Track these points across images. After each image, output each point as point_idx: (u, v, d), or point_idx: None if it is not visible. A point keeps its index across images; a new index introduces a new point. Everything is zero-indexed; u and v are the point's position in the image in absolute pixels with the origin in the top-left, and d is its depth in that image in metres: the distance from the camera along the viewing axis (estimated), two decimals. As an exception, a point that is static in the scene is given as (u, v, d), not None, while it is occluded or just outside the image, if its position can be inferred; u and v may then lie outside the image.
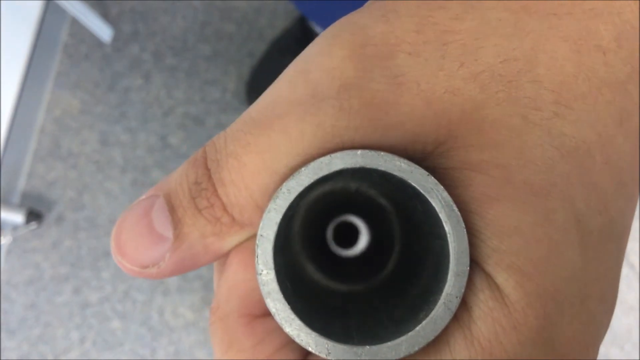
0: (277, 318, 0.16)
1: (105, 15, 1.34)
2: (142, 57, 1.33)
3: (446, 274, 0.16)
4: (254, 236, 0.18)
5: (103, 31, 1.31)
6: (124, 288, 1.24)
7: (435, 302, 0.16)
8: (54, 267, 1.26)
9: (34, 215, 1.24)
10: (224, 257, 0.19)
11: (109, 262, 1.25)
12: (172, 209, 0.18)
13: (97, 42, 1.34)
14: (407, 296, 0.20)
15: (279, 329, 0.19)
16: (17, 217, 1.23)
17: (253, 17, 1.34)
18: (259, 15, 1.34)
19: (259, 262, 0.16)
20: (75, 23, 1.33)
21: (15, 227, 1.25)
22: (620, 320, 1.21)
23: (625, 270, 1.23)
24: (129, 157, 1.29)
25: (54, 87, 1.33)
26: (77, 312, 1.24)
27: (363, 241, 0.25)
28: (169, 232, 0.18)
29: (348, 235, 0.25)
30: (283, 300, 0.16)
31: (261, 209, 0.17)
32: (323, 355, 0.16)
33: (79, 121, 1.31)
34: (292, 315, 0.16)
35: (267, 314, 0.19)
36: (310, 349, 0.16)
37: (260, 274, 0.16)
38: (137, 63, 1.33)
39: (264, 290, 0.16)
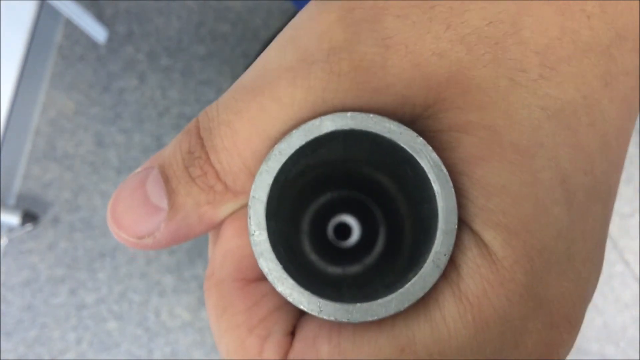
0: (270, 277, 0.16)
1: (99, 17, 1.34)
2: (137, 57, 1.33)
3: (435, 234, 0.16)
4: (247, 205, 0.18)
5: (98, 32, 1.31)
6: (120, 289, 1.24)
7: (424, 261, 0.16)
8: (50, 268, 1.26)
9: (29, 217, 1.24)
10: (218, 228, 0.20)
11: (105, 263, 1.25)
12: (166, 180, 0.18)
13: (92, 43, 1.34)
14: (398, 264, 0.20)
15: (272, 293, 0.19)
16: (12, 219, 1.23)
17: (247, 17, 1.34)
18: (253, 15, 1.34)
19: (252, 223, 0.16)
20: (69, 24, 1.33)
21: (11, 229, 1.25)
22: (615, 317, 1.21)
23: (620, 268, 1.23)
24: (124, 158, 1.29)
25: (48, 89, 1.33)
26: (74, 313, 1.24)
27: (355, 235, 0.25)
28: (163, 203, 0.18)
29: (342, 230, 0.25)
30: (275, 260, 0.16)
31: (254, 176, 0.17)
32: (315, 313, 0.16)
33: (74, 122, 1.31)
34: (285, 275, 0.16)
35: (260, 278, 0.19)
36: (302, 307, 0.16)
37: (253, 234, 0.16)
38: (132, 64, 1.33)
39: (257, 250, 0.16)
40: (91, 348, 1.23)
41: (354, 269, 0.24)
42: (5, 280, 1.25)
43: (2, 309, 1.24)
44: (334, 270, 0.24)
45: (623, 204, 1.26)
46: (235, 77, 1.29)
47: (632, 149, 1.24)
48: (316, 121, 0.16)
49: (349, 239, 0.25)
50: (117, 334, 1.23)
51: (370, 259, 0.24)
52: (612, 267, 1.23)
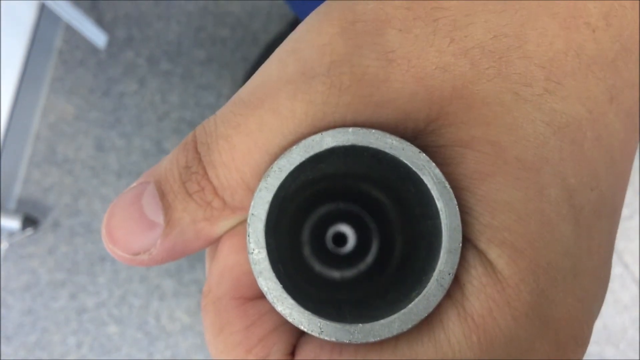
0: (269, 297, 0.16)
1: (99, 21, 1.34)
2: (137, 62, 1.34)
3: (438, 252, 0.15)
4: (245, 221, 0.18)
5: (97, 37, 1.31)
6: (121, 293, 1.24)
7: (427, 280, 0.16)
8: (50, 272, 1.26)
9: (30, 221, 1.24)
10: (215, 244, 0.19)
11: (105, 267, 1.25)
12: (162, 195, 0.17)
13: (92, 48, 1.34)
14: (399, 279, 0.20)
15: (271, 312, 0.18)
16: (13, 223, 1.23)
17: (247, 22, 1.34)
18: (252, 19, 1.34)
19: (251, 240, 0.16)
20: (69, 29, 1.33)
21: (11, 233, 1.25)
22: (615, 319, 1.21)
23: (619, 270, 1.23)
24: (124, 163, 1.29)
25: (49, 93, 1.33)
26: (74, 317, 1.24)
27: (351, 243, 0.26)
28: (159, 218, 0.17)
29: (340, 238, 0.26)
30: (275, 279, 0.16)
31: (252, 192, 0.17)
32: (315, 334, 0.16)
33: (74, 127, 1.31)
34: (284, 294, 0.16)
35: (259, 296, 0.19)
36: (302, 328, 0.16)
37: (252, 252, 0.16)
38: (132, 68, 1.33)
39: (256, 269, 0.16)
40: (91, 352, 1.23)
41: (349, 273, 0.24)
42: (6, 284, 1.25)
43: (2, 313, 1.24)
44: (332, 274, 0.24)
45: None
46: (234, 81, 1.29)
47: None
48: (317, 137, 0.16)
49: (345, 246, 0.25)
50: (118, 337, 1.23)
51: (363, 265, 0.24)
52: (612, 269, 1.23)
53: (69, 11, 1.20)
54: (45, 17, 1.34)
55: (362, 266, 0.24)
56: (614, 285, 1.22)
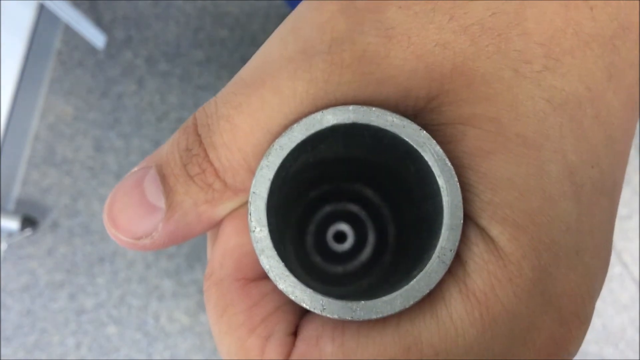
0: (271, 275, 0.16)
1: (98, 22, 1.34)
2: (135, 63, 1.34)
3: (439, 230, 0.15)
4: (247, 203, 0.18)
5: (96, 38, 1.31)
6: (120, 294, 1.24)
7: (429, 258, 0.15)
8: (49, 273, 1.26)
9: (28, 222, 1.24)
10: (217, 227, 0.19)
11: (104, 268, 1.25)
12: (163, 178, 0.17)
13: (91, 49, 1.34)
14: (402, 260, 0.20)
15: (273, 292, 0.18)
16: (12, 224, 1.23)
17: (245, 23, 1.34)
18: (251, 20, 1.34)
19: (252, 219, 0.16)
20: (68, 30, 1.33)
21: (10, 234, 1.25)
22: (614, 318, 1.21)
23: (618, 269, 1.23)
24: (123, 163, 1.29)
25: (47, 94, 1.33)
26: (73, 318, 1.24)
27: (349, 241, 0.26)
28: (161, 202, 0.17)
29: (339, 236, 0.26)
30: (277, 257, 0.16)
31: (254, 173, 0.17)
32: (317, 312, 0.16)
33: (73, 127, 1.31)
34: (287, 272, 0.16)
35: (261, 277, 0.19)
36: (304, 306, 0.16)
37: (254, 231, 0.16)
38: (131, 69, 1.33)
39: (258, 247, 0.16)
40: (90, 353, 1.23)
41: (351, 266, 0.25)
42: (5, 285, 1.25)
43: (1, 314, 1.24)
44: (334, 269, 0.25)
45: (621, 206, 1.26)
46: (233, 81, 1.29)
47: (631, 151, 1.24)
48: (318, 115, 0.16)
49: (345, 242, 0.26)
50: (117, 338, 1.23)
51: (363, 256, 0.24)
52: (611, 269, 1.23)
53: (68, 12, 1.20)
54: (44, 18, 1.34)
55: (363, 257, 0.24)
56: (613, 284, 1.23)
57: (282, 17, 1.37)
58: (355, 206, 0.26)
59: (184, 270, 1.24)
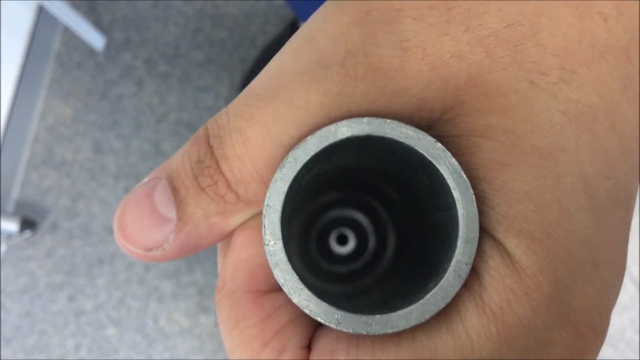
0: (286, 288, 0.16)
1: (97, 24, 1.34)
2: (135, 64, 1.34)
3: (454, 243, 0.15)
4: (259, 214, 0.18)
5: (95, 39, 1.31)
6: (119, 295, 1.24)
7: (444, 271, 0.15)
8: (48, 275, 1.26)
9: (28, 224, 1.24)
10: (228, 238, 0.19)
11: (104, 269, 1.25)
12: (174, 190, 0.17)
13: (90, 51, 1.34)
14: (414, 272, 0.20)
15: (286, 304, 0.18)
16: (11, 226, 1.22)
17: (245, 24, 1.34)
18: (250, 21, 1.34)
19: (266, 232, 0.16)
20: (67, 32, 1.33)
21: (9, 236, 1.25)
22: (613, 319, 1.21)
23: (617, 270, 1.23)
24: (122, 165, 1.29)
25: (47, 96, 1.33)
26: (72, 319, 1.24)
27: (351, 244, 0.26)
28: (172, 213, 0.17)
29: (342, 239, 0.26)
30: (291, 271, 0.16)
31: (266, 185, 0.17)
32: (332, 326, 0.15)
33: (72, 129, 1.31)
34: (301, 285, 0.15)
35: (274, 289, 0.19)
36: (319, 320, 0.15)
37: (268, 244, 0.16)
38: (130, 70, 1.33)
39: (272, 260, 0.16)
40: (90, 354, 1.23)
41: (353, 266, 0.25)
42: (4, 287, 1.25)
43: (1, 316, 1.24)
44: (339, 269, 0.25)
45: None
46: (233, 83, 1.29)
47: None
48: (332, 127, 0.16)
49: (347, 245, 0.26)
50: (116, 340, 1.23)
51: (364, 259, 0.25)
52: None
53: (67, 13, 1.20)
54: (43, 20, 1.34)
55: (382, 263, 0.24)
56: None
57: (281, 19, 1.37)
58: (359, 213, 0.26)
59: (183, 272, 1.24)
